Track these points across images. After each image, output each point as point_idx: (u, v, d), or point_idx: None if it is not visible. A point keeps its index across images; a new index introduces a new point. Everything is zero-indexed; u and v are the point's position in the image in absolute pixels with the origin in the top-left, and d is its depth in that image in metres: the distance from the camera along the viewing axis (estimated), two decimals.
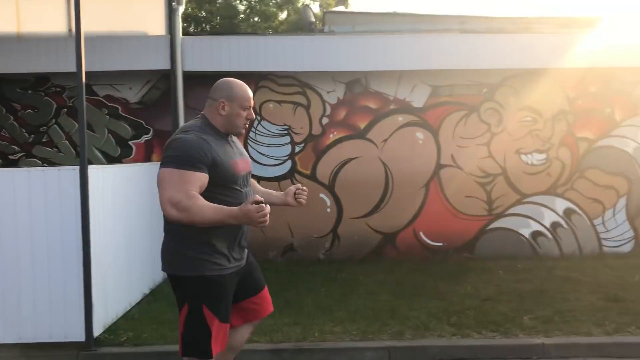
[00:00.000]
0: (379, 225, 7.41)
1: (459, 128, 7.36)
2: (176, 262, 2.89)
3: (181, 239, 2.86)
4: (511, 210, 7.40)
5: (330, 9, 17.14)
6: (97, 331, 4.45)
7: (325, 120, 7.37)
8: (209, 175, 2.80)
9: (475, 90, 7.35)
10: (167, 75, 7.11)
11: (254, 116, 3.22)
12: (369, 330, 4.64)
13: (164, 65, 7.01)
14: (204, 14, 19.14)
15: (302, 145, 7.39)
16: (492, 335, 4.54)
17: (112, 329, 4.68)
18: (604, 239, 7.44)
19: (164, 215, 2.80)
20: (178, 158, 2.75)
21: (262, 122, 7.32)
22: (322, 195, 7.38)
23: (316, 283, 6.12)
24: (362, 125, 7.37)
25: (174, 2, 6.89)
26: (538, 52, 7.11)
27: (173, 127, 6.92)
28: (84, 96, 4.43)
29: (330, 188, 7.39)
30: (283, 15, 19.20)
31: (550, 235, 7.42)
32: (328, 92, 7.35)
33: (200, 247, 2.84)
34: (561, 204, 7.40)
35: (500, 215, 7.41)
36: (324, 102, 7.36)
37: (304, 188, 3.29)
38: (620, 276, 6.22)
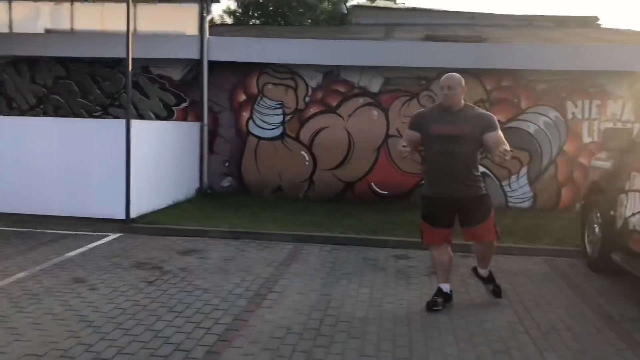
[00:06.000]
0: (342, 176, 10.29)
1: (403, 109, 10.05)
2: None
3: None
4: None
5: (356, 4, 19.66)
6: (133, 214, 7.72)
7: (307, 99, 10.27)
8: (422, 133, 4.62)
9: (416, 82, 10.01)
10: (199, 62, 10.25)
11: (447, 94, 4.60)
12: (289, 227, 7.63)
13: (196, 55, 10.14)
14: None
15: (291, 116, 10.34)
16: (368, 235, 7.39)
17: (142, 216, 7.93)
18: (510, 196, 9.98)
19: None
20: (409, 123, 4.87)
21: (263, 99, 10.34)
22: (302, 152, 10.34)
23: (292, 210, 9.06)
24: (333, 104, 10.22)
25: (204, 12, 9.95)
26: (459, 57, 9.66)
27: (200, 98, 10.09)
28: (130, 78, 7.70)
29: (309, 147, 10.33)
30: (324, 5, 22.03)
31: None
32: (311, 79, 10.23)
33: (426, 180, 4.93)
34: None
35: None
36: (307, 85, 10.25)
37: (508, 151, 4.42)
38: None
